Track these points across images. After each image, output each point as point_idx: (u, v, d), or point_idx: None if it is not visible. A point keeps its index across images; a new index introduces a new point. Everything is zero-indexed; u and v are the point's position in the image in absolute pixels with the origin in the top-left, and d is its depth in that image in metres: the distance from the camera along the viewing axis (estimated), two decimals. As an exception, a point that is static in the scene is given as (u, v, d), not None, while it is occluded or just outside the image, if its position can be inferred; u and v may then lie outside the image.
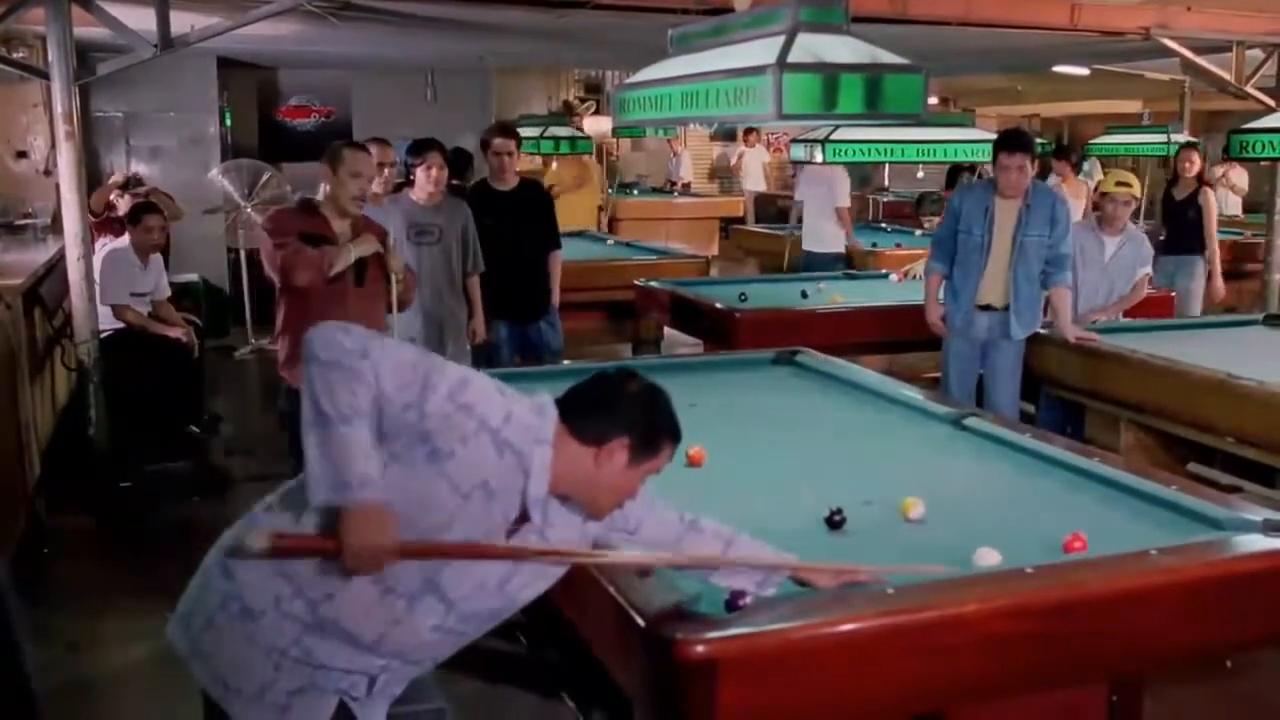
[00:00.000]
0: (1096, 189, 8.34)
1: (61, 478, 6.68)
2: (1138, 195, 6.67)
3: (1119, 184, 6.67)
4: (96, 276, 6.93)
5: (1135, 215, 7.72)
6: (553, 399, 2.49)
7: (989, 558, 3.00)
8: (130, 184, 9.59)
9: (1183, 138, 12.25)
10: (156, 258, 7.79)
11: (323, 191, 5.04)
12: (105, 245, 7.72)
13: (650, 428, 2.49)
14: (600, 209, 13.32)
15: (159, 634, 5.00)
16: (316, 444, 2.27)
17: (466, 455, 2.31)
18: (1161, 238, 9.22)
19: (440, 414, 2.30)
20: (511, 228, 6.58)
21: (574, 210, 11.68)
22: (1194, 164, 9.11)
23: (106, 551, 6.06)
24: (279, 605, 2.37)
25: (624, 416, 2.47)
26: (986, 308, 6.13)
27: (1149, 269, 6.76)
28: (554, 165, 12.76)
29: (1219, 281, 8.94)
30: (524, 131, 11.70)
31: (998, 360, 6.15)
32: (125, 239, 7.64)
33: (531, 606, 2.84)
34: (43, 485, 6.33)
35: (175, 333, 7.47)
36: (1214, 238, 8.99)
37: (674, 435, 2.55)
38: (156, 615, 5.05)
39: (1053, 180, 10.37)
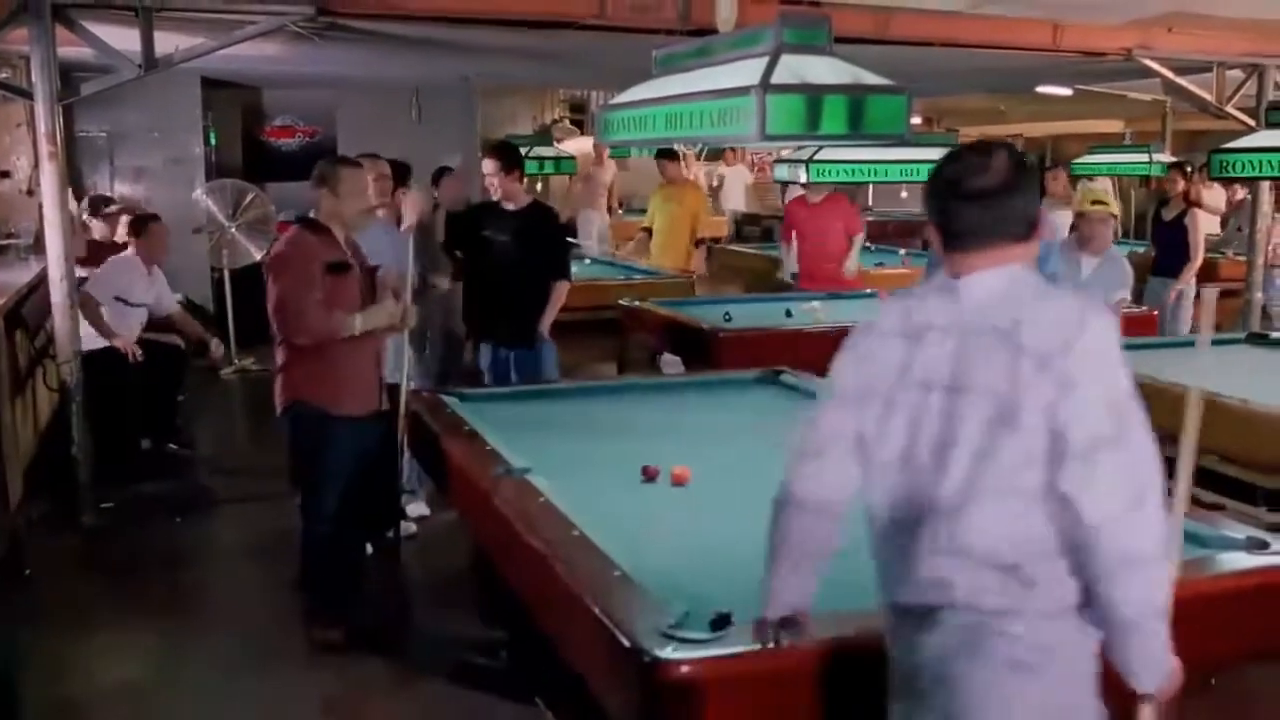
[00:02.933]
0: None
1: (44, 498, 6.65)
2: (1115, 213, 6.67)
3: (1095, 203, 6.62)
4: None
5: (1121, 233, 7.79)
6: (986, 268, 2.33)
7: None
8: (96, 206, 9.58)
9: (1165, 157, 12.31)
10: (160, 273, 7.81)
11: (321, 211, 4.90)
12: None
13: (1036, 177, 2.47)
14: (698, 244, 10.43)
15: (141, 654, 5.02)
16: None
17: None
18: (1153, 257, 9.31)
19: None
20: (513, 248, 6.38)
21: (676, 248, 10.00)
22: (1179, 184, 9.17)
23: (89, 572, 6.03)
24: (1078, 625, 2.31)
25: (1035, 190, 2.41)
26: None
27: (1126, 293, 6.65)
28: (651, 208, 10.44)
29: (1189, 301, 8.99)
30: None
31: None
32: (129, 253, 7.74)
33: (514, 621, 2.84)
34: (25, 505, 6.30)
35: (117, 342, 7.30)
36: (1197, 257, 9.06)
37: None
38: (139, 635, 5.07)
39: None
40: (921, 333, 2.35)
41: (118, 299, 7.47)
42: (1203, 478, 5.31)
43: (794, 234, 9.22)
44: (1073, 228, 7.29)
